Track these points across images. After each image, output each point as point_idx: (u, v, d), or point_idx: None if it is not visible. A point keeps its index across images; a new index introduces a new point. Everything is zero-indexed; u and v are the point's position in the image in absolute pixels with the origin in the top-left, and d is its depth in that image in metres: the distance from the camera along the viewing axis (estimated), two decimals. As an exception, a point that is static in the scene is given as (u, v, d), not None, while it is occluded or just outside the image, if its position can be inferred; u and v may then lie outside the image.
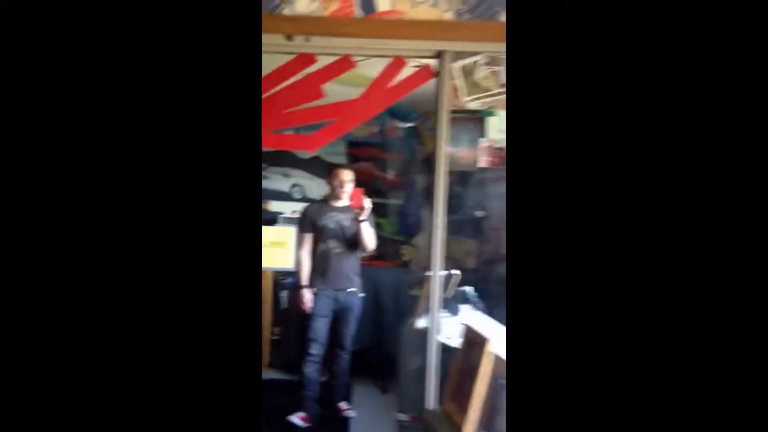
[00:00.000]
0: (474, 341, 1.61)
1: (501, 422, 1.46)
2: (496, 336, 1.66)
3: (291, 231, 2.61)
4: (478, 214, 3.67)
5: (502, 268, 3.45)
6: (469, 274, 3.19)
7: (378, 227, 2.85)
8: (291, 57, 1.92)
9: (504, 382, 1.51)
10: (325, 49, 1.90)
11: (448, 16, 1.82)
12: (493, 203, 3.52)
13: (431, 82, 1.96)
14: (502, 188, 3.50)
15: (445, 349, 2.03)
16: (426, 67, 1.94)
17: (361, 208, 2.47)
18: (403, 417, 2.20)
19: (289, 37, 1.83)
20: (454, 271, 2.63)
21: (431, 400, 1.96)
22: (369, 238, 2.58)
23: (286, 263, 2.58)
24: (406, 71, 1.96)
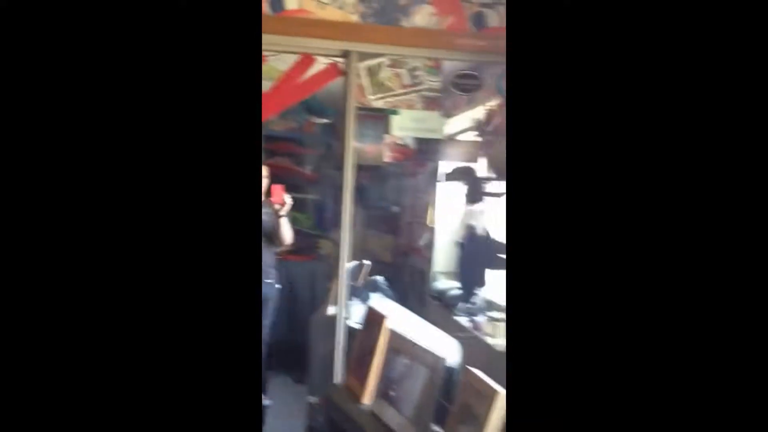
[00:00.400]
0: (374, 319, 1.74)
1: (394, 390, 1.60)
2: (394, 314, 1.80)
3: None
4: (394, 209, 3.84)
5: (414, 261, 3.63)
6: (385, 267, 3.34)
7: (295, 222, 2.92)
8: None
9: (400, 357, 1.64)
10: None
11: (354, 18, 1.94)
12: (405, 198, 3.70)
13: (340, 80, 2.07)
14: (411, 183, 3.68)
15: (353, 333, 2.15)
16: (334, 65, 2.05)
17: (282, 204, 2.54)
18: (312, 399, 2.30)
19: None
20: (364, 262, 2.76)
21: (337, 378, 2.07)
22: (286, 233, 2.65)
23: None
24: (316, 68, 2.06)
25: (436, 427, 1.47)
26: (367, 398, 1.66)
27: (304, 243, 3.47)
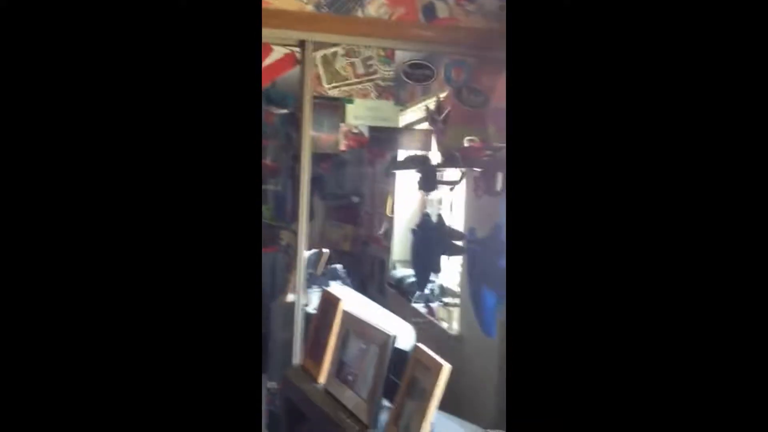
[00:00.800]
0: (329, 302, 1.79)
1: (348, 369, 1.65)
2: (348, 297, 1.85)
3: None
4: (354, 199, 3.89)
5: (373, 250, 3.69)
6: (344, 256, 3.39)
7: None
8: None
9: (354, 336, 1.70)
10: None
11: (309, 8, 1.98)
12: (364, 188, 3.75)
13: (298, 70, 2.10)
14: (369, 172, 3.72)
15: (310, 317, 2.19)
16: (291, 55, 2.08)
17: None
18: (271, 385, 2.33)
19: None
20: (323, 250, 2.80)
21: (294, 361, 2.11)
22: None
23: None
24: (272, 57, 2.08)
25: (386, 403, 1.53)
26: (323, 378, 1.70)
27: (266, 234, 3.48)
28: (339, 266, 2.85)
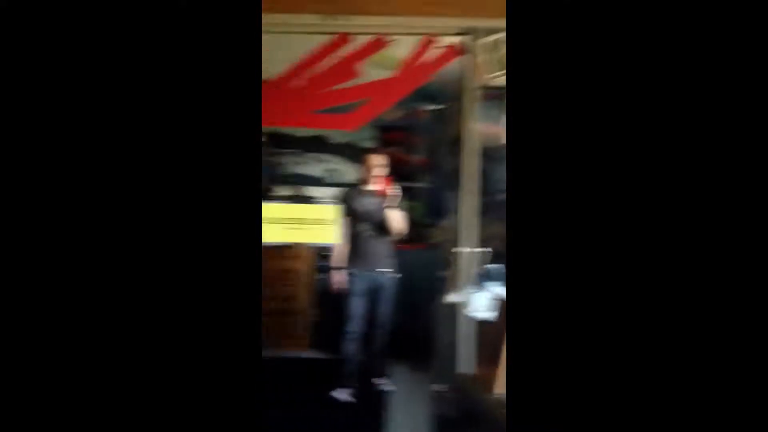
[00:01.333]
0: (503, 309, 1.68)
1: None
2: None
3: (331, 209, 2.81)
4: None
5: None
6: (498, 255, 3.24)
7: (409, 211, 2.92)
8: (325, 37, 1.98)
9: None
10: (356, 28, 1.96)
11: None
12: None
13: (456, 62, 2.02)
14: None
15: (480, 323, 2.10)
16: (451, 47, 2.00)
17: (387, 195, 2.57)
18: (438, 387, 2.28)
19: (327, 16, 1.89)
20: (483, 249, 2.68)
21: (462, 367, 2.04)
22: (397, 223, 2.66)
23: (327, 239, 2.83)
24: (434, 51, 2.02)
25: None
26: (500, 387, 1.61)
27: (418, 232, 3.48)
28: (499, 266, 2.71)
